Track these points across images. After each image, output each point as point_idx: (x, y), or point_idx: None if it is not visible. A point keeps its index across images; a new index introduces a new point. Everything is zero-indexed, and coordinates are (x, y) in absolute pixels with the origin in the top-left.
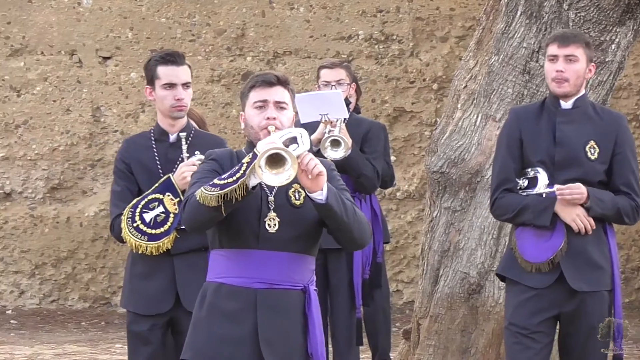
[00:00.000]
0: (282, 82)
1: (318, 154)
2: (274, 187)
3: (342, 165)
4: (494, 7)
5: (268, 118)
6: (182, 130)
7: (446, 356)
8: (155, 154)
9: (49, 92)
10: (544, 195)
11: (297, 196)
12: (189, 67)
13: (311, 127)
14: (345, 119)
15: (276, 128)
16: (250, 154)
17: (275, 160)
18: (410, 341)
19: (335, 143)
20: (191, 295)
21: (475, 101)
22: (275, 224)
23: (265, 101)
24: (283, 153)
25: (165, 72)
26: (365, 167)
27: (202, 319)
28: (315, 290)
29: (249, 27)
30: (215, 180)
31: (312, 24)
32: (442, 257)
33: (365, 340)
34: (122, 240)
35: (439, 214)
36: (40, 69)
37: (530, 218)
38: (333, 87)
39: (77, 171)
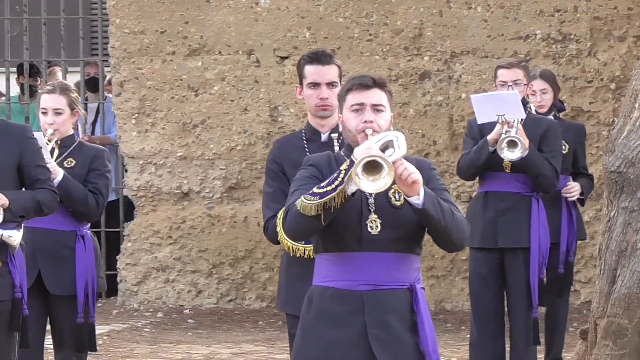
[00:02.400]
0: (378, 84)
1: (495, 154)
2: None
3: (520, 166)
4: None
5: (365, 121)
6: (333, 130)
7: (623, 357)
8: (308, 153)
9: (227, 92)
10: None
11: (397, 197)
12: (338, 66)
13: (488, 128)
14: (522, 119)
15: (373, 131)
16: (348, 161)
17: (373, 167)
18: (587, 341)
19: (512, 144)
20: None
21: None
22: (377, 226)
23: (362, 104)
24: (379, 160)
25: (310, 71)
26: (543, 167)
27: (311, 324)
28: (422, 288)
29: (426, 26)
30: (315, 189)
31: (490, 23)
32: (619, 257)
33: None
34: (277, 243)
35: (616, 214)
36: (218, 69)
37: None
38: (510, 87)
39: (255, 171)
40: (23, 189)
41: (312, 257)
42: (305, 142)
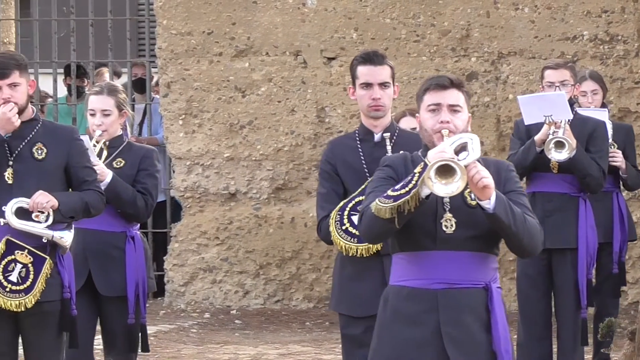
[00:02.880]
0: (456, 85)
1: (542, 154)
2: None
3: (567, 166)
4: None
5: (442, 122)
6: (386, 130)
7: None
8: (361, 154)
9: (274, 93)
10: None
11: (472, 196)
12: (391, 67)
13: (535, 128)
14: (569, 119)
15: (450, 132)
16: (422, 164)
17: (445, 170)
18: (635, 342)
19: (560, 144)
20: None
21: None
22: (452, 225)
23: (438, 104)
24: (452, 164)
25: (362, 72)
26: (591, 167)
27: (386, 323)
28: (498, 288)
29: (473, 27)
30: (389, 192)
31: (537, 24)
32: None
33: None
34: (330, 243)
35: None
36: (265, 70)
37: None
38: (557, 87)
39: (302, 172)
40: (70, 190)
41: (365, 256)
42: (358, 142)
